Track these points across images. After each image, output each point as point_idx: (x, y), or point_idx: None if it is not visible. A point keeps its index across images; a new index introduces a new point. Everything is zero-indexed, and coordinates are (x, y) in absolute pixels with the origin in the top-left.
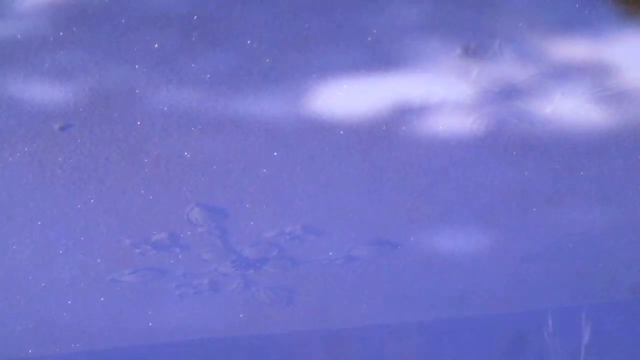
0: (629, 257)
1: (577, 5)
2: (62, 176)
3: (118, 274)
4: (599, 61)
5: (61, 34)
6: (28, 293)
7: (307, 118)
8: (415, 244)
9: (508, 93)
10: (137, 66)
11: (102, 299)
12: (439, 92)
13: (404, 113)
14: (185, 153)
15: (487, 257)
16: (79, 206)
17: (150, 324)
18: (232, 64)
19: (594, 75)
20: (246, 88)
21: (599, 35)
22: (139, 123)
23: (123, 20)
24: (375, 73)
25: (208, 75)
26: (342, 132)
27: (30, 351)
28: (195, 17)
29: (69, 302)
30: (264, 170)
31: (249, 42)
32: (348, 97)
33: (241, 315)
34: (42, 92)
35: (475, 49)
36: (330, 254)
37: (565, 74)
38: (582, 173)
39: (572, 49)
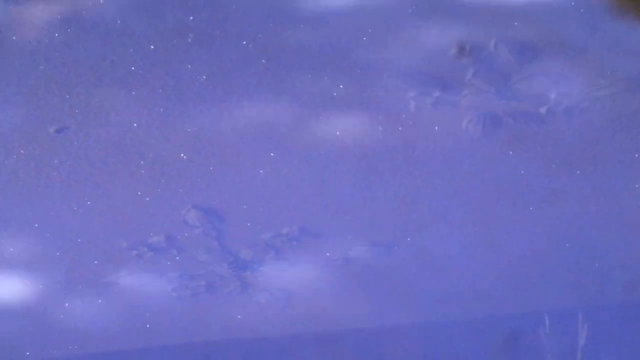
0: (624, 257)
1: (572, 3)
2: (58, 179)
3: (115, 275)
4: (594, 60)
5: (56, 35)
6: (25, 295)
7: (303, 119)
8: (411, 245)
9: (503, 93)
10: (132, 68)
11: (99, 301)
12: (434, 93)
13: (400, 114)
14: (182, 155)
15: (484, 258)
16: (75, 208)
17: (147, 325)
18: (227, 66)
19: (589, 74)
20: (242, 89)
21: (594, 34)
22: (135, 125)
23: (118, 22)
24: (371, 74)
25: (204, 77)
26: (338, 133)
27: (27, 354)
28: (191, 18)
29: (66, 304)
30: (261, 172)
31: (244, 42)
32: (343, 99)
33: (238, 317)
34: (37, 95)
35: (471, 48)
36: (327, 255)
37: (560, 73)
38: (578, 172)
39: (567, 48)
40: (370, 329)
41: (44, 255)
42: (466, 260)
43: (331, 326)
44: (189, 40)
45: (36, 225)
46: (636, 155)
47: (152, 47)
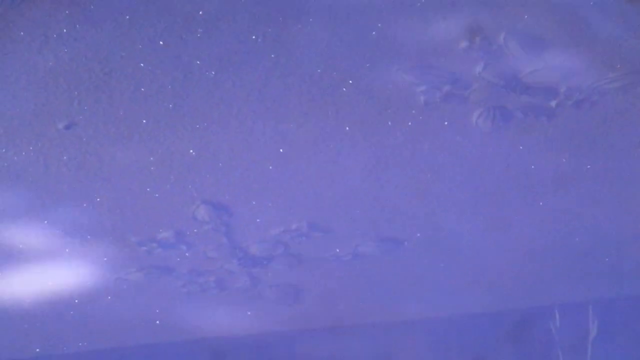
0: (636, 249)
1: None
2: (68, 175)
3: (124, 272)
4: (603, 53)
5: (65, 31)
6: (34, 292)
7: (312, 114)
8: (421, 240)
9: (513, 87)
10: (141, 64)
11: (108, 297)
12: (444, 87)
13: (410, 108)
14: (191, 151)
15: (494, 252)
16: (84, 205)
17: (157, 321)
18: (237, 61)
19: (599, 67)
20: (251, 84)
21: (604, 27)
22: (144, 121)
23: (127, 17)
24: (380, 68)
25: (213, 72)
26: (347, 128)
27: (37, 350)
28: (200, 13)
29: (76, 300)
30: (270, 167)
31: (253, 37)
32: (353, 93)
33: (248, 313)
34: (46, 91)
35: (481, 42)
36: (337, 250)
37: (570, 66)
38: (589, 166)
39: (577, 41)
40: (379, 324)
41: (53, 251)
42: (476, 254)
43: (341, 321)
44: (198, 35)
45: (45, 221)
46: None
47: (161, 42)
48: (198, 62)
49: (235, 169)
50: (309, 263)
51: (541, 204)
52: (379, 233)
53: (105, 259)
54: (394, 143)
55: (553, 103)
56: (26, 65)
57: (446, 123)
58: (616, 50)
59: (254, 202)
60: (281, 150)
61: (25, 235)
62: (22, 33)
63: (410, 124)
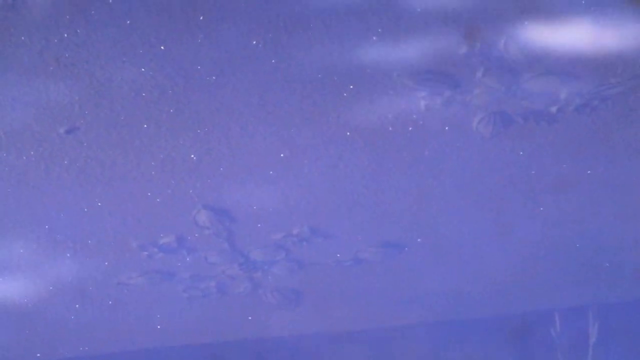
0: (636, 254)
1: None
2: (69, 179)
3: (125, 276)
4: (604, 58)
5: (65, 35)
6: (35, 296)
7: (313, 119)
8: (422, 246)
9: (514, 92)
10: (142, 69)
11: (109, 302)
12: (445, 92)
13: (411, 113)
14: (192, 155)
15: (495, 257)
16: (85, 209)
17: (158, 326)
18: (237, 66)
19: (599, 72)
20: (252, 89)
21: (605, 33)
22: (145, 126)
23: (128, 22)
24: (381, 74)
25: (214, 77)
26: (348, 134)
27: (38, 355)
28: (201, 18)
29: (77, 305)
30: (271, 172)
31: (254, 42)
32: (354, 98)
33: (249, 318)
34: (47, 95)
35: (481, 47)
36: (338, 255)
37: (571, 71)
38: (589, 172)
39: (578, 45)
40: (381, 329)
41: (54, 256)
42: (477, 260)
43: (342, 326)
44: (199, 40)
45: (46, 226)
46: None
47: (162, 47)
48: (199, 67)
49: (236, 173)
50: (310, 268)
51: (541, 209)
52: (380, 238)
53: (106, 263)
54: (395, 148)
55: (554, 108)
56: (27, 69)
57: (447, 128)
58: (617, 55)
59: (255, 207)
60: (282, 155)
61: (26, 239)
62: (23, 37)
63: (411, 129)
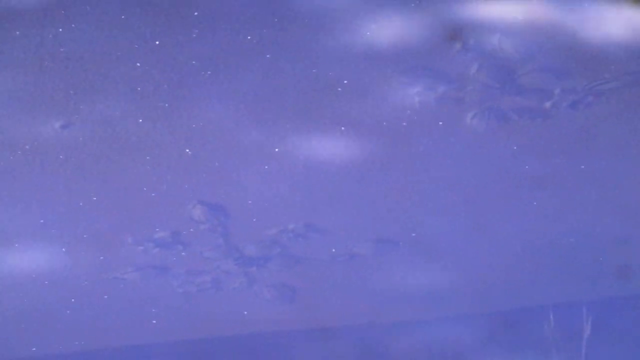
0: (629, 250)
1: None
2: (64, 174)
3: (121, 271)
4: (598, 54)
5: (60, 30)
6: (31, 291)
7: (308, 114)
8: (417, 241)
9: (508, 88)
10: (138, 64)
11: (105, 296)
12: (439, 88)
13: (405, 108)
14: (187, 150)
15: (489, 253)
16: (81, 204)
17: (154, 321)
18: (232, 61)
19: (593, 68)
20: (247, 84)
21: (598, 28)
22: (140, 121)
23: (123, 17)
24: (375, 69)
25: (209, 72)
26: (343, 129)
27: (33, 349)
28: (195, 13)
29: (72, 300)
30: (266, 167)
31: (249, 37)
32: (348, 94)
33: (245, 313)
34: (43, 91)
35: (475, 43)
36: (333, 251)
37: (564, 68)
38: (583, 167)
39: (571, 43)
40: (375, 324)
41: (49, 251)
42: (472, 255)
43: (337, 322)
44: (194, 35)
45: (42, 221)
46: None
47: (157, 42)
48: (194, 62)
49: (231, 168)
50: (305, 263)
51: (535, 204)
52: (374, 234)
53: (101, 258)
54: (389, 143)
55: (548, 104)
56: (22, 64)
57: (441, 124)
58: (610, 51)
59: (250, 202)
60: (277, 150)
61: (21, 234)
62: (17, 32)
63: (405, 124)
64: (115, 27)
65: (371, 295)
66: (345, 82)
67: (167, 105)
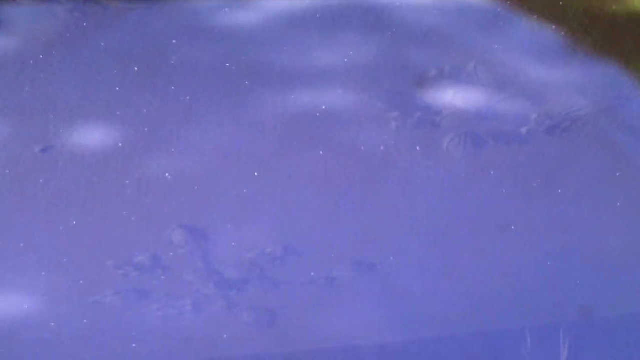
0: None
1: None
2: (44, 198)
3: (100, 295)
4: (575, 79)
5: (41, 57)
6: (9, 315)
7: (286, 139)
8: (395, 264)
9: (484, 113)
10: (117, 88)
11: (84, 320)
12: (416, 114)
13: (382, 134)
14: (167, 174)
15: (469, 276)
16: (60, 228)
17: (133, 345)
18: (211, 86)
19: (570, 94)
20: (225, 110)
21: (575, 54)
22: (120, 145)
23: (102, 44)
24: (353, 95)
25: (188, 98)
26: (321, 153)
27: None
28: (174, 41)
29: (52, 324)
30: (245, 191)
31: (227, 65)
32: (326, 119)
33: (224, 336)
34: (22, 115)
35: (451, 70)
36: (312, 274)
37: (541, 93)
38: (559, 191)
39: (548, 68)
40: (355, 347)
41: (28, 275)
42: (452, 278)
43: (316, 345)
44: (172, 62)
45: (21, 244)
46: (617, 174)
47: (136, 69)
48: (173, 88)
49: (210, 192)
50: (284, 286)
51: (513, 227)
52: (352, 257)
53: (81, 282)
54: (367, 168)
55: (524, 129)
56: (2, 89)
57: (418, 148)
58: (587, 77)
59: (229, 226)
60: (256, 173)
61: (1, 257)
62: None
63: (382, 148)
64: (95, 53)
65: (350, 318)
66: (324, 107)
67: (146, 129)
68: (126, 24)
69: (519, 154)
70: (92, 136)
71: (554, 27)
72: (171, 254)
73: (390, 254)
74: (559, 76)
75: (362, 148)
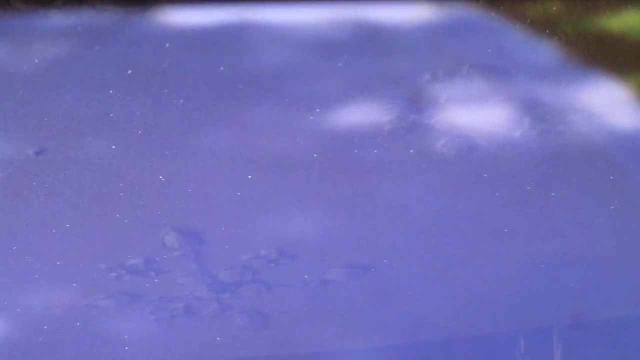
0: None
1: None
2: (37, 201)
3: (93, 298)
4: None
5: (36, 61)
6: (2, 319)
7: (279, 142)
8: (388, 267)
9: (477, 116)
10: (110, 91)
11: (77, 323)
12: (409, 117)
13: (375, 137)
14: (160, 177)
15: (462, 279)
16: (53, 231)
17: (126, 348)
18: (204, 90)
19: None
20: (219, 113)
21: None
22: (113, 147)
23: (96, 48)
24: (346, 99)
25: (181, 100)
26: (315, 156)
27: None
28: (167, 45)
29: (45, 327)
30: (238, 194)
31: (221, 68)
32: (320, 123)
33: (217, 339)
34: (15, 118)
35: (444, 74)
36: (305, 277)
37: (535, 96)
38: (553, 194)
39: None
40: (348, 351)
41: (21, 278)
42: (444, 282)
43: (309, 348)
44: (165, 66)
45: (14, 248)
46: (611, 177)
47: (129, 72)
48: (166, 91)
49: (204, 195)
50: (278, 289)
51: (506, 230)
52: (346, 260)
53: (74, 285)
54: (360, 170)
55: (517, 133)
56: None
57: (411, 151)
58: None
59: (222, 228)
60: (249, 176)
61: None
62: None
63: (376, 152)
64: (87, 58)
65: (343, 321)
66: (317, 110)
67: (140, 132)
68: (120, 27)
69: (513, 158)
70: (86, 139)
71: (547, 32)
72: (164, 256)
73: (383, 257)
74: (552, 80)
75: (356, 151)
